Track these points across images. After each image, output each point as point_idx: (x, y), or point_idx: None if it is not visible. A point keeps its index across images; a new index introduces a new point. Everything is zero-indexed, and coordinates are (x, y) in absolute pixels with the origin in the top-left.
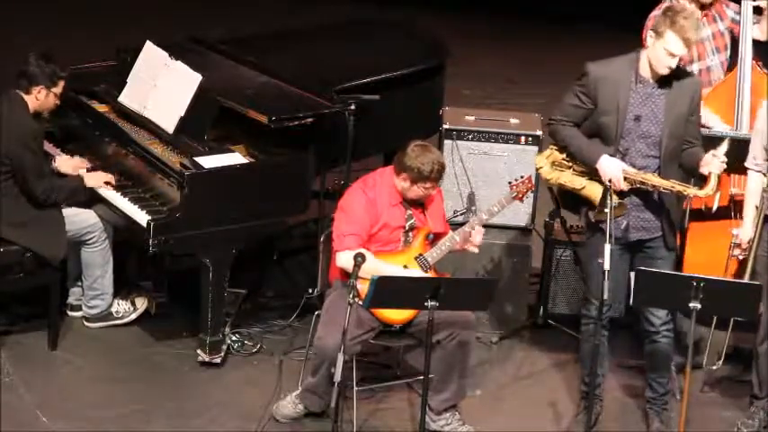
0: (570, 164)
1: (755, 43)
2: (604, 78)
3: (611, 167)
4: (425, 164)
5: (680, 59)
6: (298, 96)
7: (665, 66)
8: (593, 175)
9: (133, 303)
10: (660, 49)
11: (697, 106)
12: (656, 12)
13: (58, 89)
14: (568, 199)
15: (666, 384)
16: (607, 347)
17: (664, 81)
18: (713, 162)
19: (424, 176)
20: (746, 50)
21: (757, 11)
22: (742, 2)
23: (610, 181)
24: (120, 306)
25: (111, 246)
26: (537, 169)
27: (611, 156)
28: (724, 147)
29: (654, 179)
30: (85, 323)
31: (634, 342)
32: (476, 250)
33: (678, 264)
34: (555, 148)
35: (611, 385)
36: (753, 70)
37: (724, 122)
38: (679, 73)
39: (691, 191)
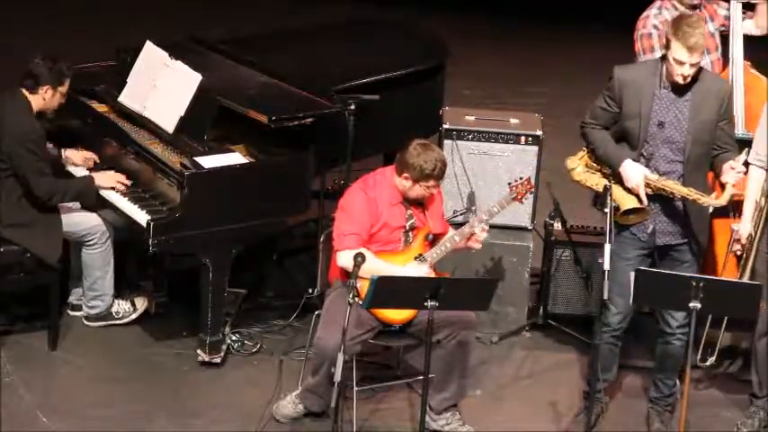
0: (599, 167)
1: (746, 39)
2: (629, 82)
3: (633, 172)
4: (428, 162)
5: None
6: (298, 96)
7: (676, 74)
8: (618, 178)
9: (133, 304)
10: (670, 59)
11: (727, 112)
12: (647, 12)
13: (64, 88)
14: (599, 199)
15: (672, 386)
16: (618, 356)
17: (689, 87)
18: (729, 173)
19: (427, 175)
20: (737, 51)
21: (749, 6)
22: (731, 2)
23: (610, 181)
24: (121, 306)
25: (112, 247)
26: (570, 170)
27: (635, 160)
28: (742, 157)
29: (673, 186)
30: (85, 322)
31: (636, 342)
32: (478, 246)
33: None
34: (587, 150)
35: (612, 386)
36: (744, 71)
37: None
38: (707, 79)
39: (705, 200)
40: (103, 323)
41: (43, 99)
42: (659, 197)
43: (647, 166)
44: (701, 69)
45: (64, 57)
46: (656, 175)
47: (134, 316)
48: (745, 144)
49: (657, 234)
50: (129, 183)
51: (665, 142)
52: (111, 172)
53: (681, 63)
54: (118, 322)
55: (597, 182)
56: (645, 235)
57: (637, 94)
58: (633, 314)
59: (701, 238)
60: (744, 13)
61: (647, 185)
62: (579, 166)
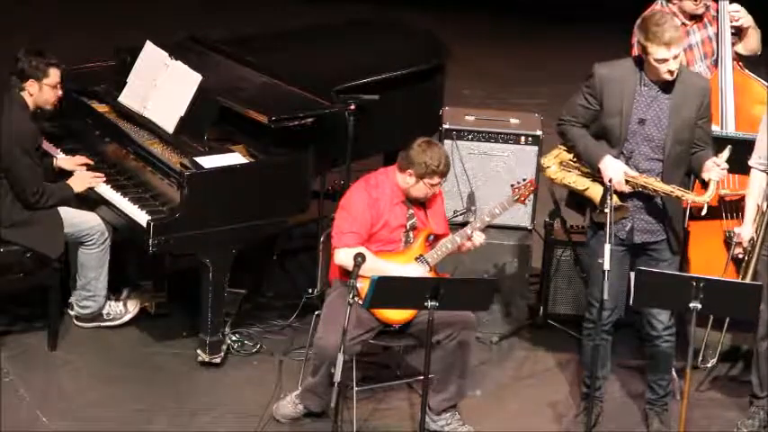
0: (577, 164)
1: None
2: (610, 80)
3: (613, 169)
4: (433, 159)
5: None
6: (298, 96)
7: (662, 73)
8: (597, 176)
9: (125, 306)
10: (651, 61)
11: (706, 110)
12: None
13: (51, 79)
14: (573, 199)
15: (667, 387)
16: (609, 351)
17: (670, 85)
18: (713, 170)
19: (431, 171)
20: (726, 50)
21: (736, 32)
22: (719, 2)
23: (610, 181)
24: (113, 308)
25: (109, 249)
26: (544, 168)
27: (614, 158)
28: (725, 154)
29: (655, 183)
30: (76, 322)
31: (634, 342)
32: (472, 245)
33: (682, 265)
34: (563, 148)
35: (612, 386)
36: (734, 71)
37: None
38: (687, 77)
39: (689, 197)
40: (94, 324)
41: (30, 94)
42: (638, 195)
43: (626, 163)
44: (681, 68)
45: (57, 56)
46: (636, 173)
47: (126, 319)
48: (736, 143)
49: (635, 232)
50: (102, 176)
51: (645, 140)
52: (85, 173)
53: (664, 61)
54: (109, 324)
55: (574, 180)
56: (623, 233)
57: (619, 91)
58: (632, 314)
59: (680, 237)
60: (733, 44)
61: (628, 182)
62: (553, 164)
